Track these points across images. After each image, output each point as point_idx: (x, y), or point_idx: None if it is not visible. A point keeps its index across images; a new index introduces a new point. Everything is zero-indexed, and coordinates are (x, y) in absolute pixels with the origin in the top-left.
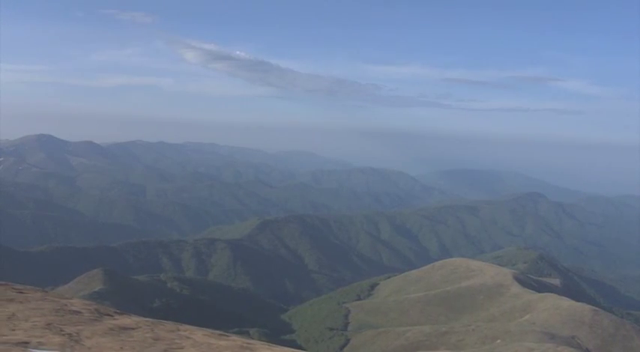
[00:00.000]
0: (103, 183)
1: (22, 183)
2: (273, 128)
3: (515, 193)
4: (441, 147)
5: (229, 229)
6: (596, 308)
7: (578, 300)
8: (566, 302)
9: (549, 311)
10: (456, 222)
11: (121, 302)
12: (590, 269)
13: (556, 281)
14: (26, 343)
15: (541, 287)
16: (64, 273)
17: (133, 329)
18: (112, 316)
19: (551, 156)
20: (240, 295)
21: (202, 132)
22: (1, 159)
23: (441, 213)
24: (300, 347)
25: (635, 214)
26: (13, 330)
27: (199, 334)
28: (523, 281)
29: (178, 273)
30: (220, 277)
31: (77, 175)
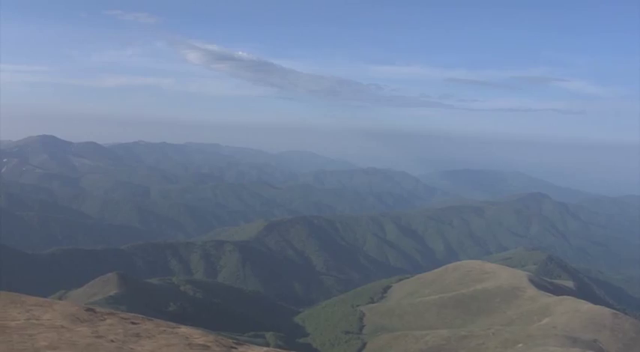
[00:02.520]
0: (107, 184)
1: (26, 184)
2: (274, 128)
3: (520, 193)
4: (443, 147)
5: (236, 231)
6: (616, 312)
7: (592, 303)
8: (585, 306)
9: (569, 315)
10: (462, 222)
11: (136, 306)
12: (597, 270)
13: (570, 284)
14: None
15: (556, 290)
16: (74, 276)
17: None
18: (236, 348)
19: (553, 156)
20: (252, 297)
21: (204, 132)
22: (5, 160)
23: (446, 213)
24: (316, 351)
25: (638, 214)
26: None
27: None
28: (538, 284)
29: (187, 275)
30: (229, 279)
31: (81, 176)
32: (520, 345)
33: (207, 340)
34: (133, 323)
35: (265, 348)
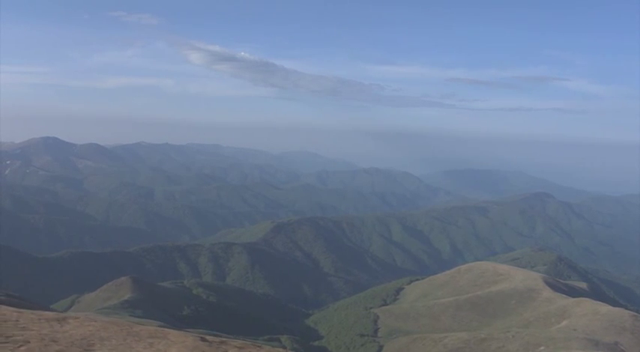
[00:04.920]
0: (111, 185)
1: (30, 186)
2: (276, 129)
3: (523, 193)
4: (445, 147)
5: (242, 232)
6: (636, 314)
7: (607, 304)
8: (604, 307)
9: (588, 317)
10: (467, 222)
11: (151, 310)
12: (604, 271)
13: (583, 285)
14: None
15: (571, 291)
16: (84, 279)
17: None
18: None
19: (554, 156)
20: (262, 300)
21: (205, 133)
22: (8, 162)
23: (451, 214)
24: None
25: None
26: None
27: None
28: (554, 285)
29: (196, 278)
30: (238, 281)
31: (84, 178)
32: (542, 348)
33: None
34: (240, 349)
35: None
